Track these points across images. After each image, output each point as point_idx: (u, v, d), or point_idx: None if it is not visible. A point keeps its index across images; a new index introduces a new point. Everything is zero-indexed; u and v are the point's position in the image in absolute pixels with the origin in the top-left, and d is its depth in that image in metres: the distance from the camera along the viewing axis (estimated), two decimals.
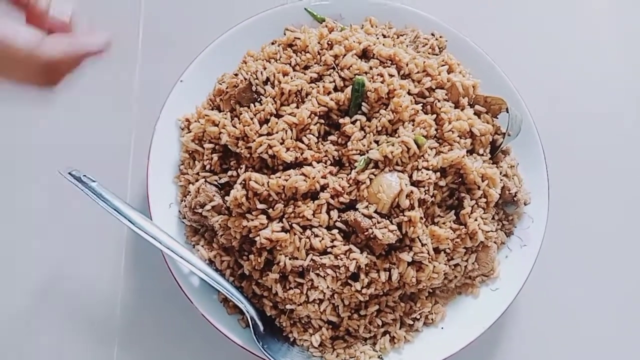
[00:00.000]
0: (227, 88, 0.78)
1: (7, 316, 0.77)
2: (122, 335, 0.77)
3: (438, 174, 0.72)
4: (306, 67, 0.78)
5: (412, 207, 0.69)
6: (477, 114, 0.78)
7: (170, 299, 0.77)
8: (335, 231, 0.70)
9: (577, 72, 0.96)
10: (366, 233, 0.68)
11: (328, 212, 0.70)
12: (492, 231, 0.75)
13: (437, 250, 0.72)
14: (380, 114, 0.73)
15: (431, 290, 0.74)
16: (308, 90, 0.75)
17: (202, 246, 0.74)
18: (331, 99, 0.74)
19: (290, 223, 0.70)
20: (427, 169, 0.71)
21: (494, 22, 0.97)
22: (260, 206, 0.70)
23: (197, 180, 0.75)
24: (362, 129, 0.73)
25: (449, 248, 0.72)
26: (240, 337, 0.71)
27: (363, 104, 0.74)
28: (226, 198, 0.72)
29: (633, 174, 0.91)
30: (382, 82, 0.74)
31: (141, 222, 0.69)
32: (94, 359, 0.77)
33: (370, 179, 0.70)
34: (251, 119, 0.74)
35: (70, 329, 0.77)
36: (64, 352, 0.77)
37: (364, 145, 0.72)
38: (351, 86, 0.73)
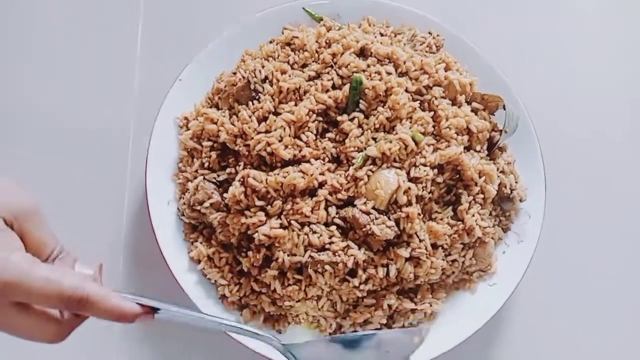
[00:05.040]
0: (225, 86, 0.78)
1: None
2: (120, 333, 0.77)
3: (435, 170, 0.72)
4: (304, 66, 0.78)
5: (409, 204, 0.70)
6: (474, 111, 0.79)
7: (168, 297, 0.76)
8: (333, 228, 0.70)
9: (574, 70, 0.96)
10: (364, 229, 0.68)
11: (326, 209, 0.70)
12: (489, 227, 0.75)
13: (434, 246, 0.72)
14: (378, 112, 0.74)
15: (429, 286, 0.74)
16: (306, 88, 0.75)
17: (201, 243, 0.75)
18: (329, 97, 0.74)
19: (288, 220, 0.70)
20: (425, 165, 0.71)
21: (491, 20, 0.97)
22: (258, 203, 0.71)
23: (195, 178, 0.76)
24: (359, 126, 0.74)
25: (446, 244, 0.73)
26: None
27: (361, 101, 0.74)
28: (225, 195, 0.72)
29: (629, 170, 0.91)
30: (379, 80, 0.74)
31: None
32: (93, 358, 0.77)
33: (368, 176, 0.70)
34: (249, 116, 0.74)
35: None
36: (62, 352, 0.77)
37: (362, 142, 0.72)
38: (349, 84, 0.74)
